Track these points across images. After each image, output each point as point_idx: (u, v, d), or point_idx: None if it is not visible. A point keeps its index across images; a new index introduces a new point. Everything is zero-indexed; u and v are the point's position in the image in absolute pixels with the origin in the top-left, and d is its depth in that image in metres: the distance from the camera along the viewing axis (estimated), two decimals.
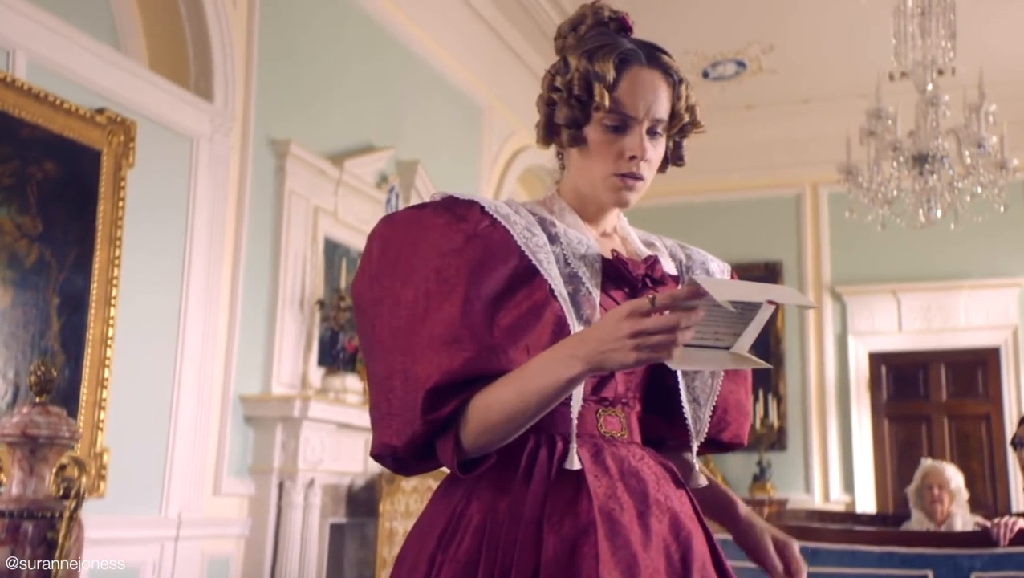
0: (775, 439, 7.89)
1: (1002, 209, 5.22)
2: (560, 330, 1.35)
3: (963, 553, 3.26)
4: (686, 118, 1.48)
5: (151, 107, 4.28)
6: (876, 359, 8.02)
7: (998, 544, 3.21)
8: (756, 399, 7.93)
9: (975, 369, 7.80)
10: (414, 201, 5.91)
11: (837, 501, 7.79)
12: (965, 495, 4.74)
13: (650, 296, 1.21)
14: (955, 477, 4.73)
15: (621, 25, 1.50)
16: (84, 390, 3.92)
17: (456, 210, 1.43)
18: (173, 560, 4.30)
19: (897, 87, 6.35)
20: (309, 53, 5.24)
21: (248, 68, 4.81)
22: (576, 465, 1.34)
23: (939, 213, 5.16)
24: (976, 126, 5.02)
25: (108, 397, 4.00)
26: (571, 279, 1.40)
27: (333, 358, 5.14)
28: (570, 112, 1.43)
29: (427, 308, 1.34)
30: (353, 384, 5.10)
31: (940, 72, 5.42)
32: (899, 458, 7.88)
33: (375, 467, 5.20)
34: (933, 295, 7.85)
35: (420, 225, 1.42)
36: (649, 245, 1.58)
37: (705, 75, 7.71)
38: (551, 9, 6.72)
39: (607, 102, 1.40)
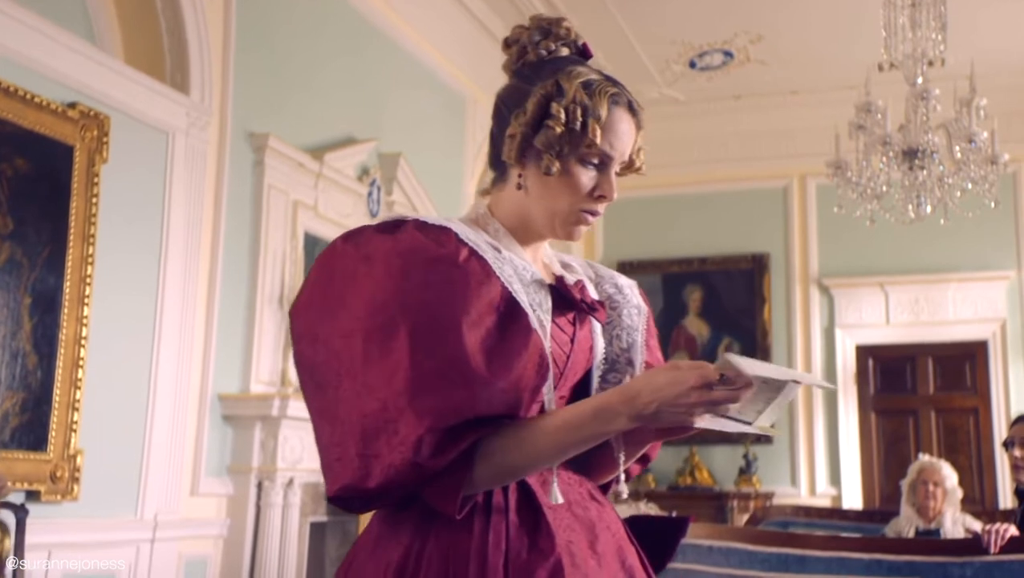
0: None
1: (993, 205, 5.16)
2: (541, 361, 1.34)
3: (953, 561, 3.20)
4: (636, 162, 1.49)
5: (125, 101, 4.17)
6: (863, 352, 7.95)
7: (988, 551, 3.16)
8: None
9: (963, 362, 7.74)
10: (396, 195, 5.81)
11: (823, 494, 7.75)
12: (959, 495, 4.72)
13: (718, 371, 1.25)
14: (951, 476, 4.72)
15: (582, 51, 1.49)
16: (57, 391, 3.84)
17: (431, 235, 1.36)
18: (149, 562, 4.22)
19: (887, 78, 6.27)
20: (288, 44, 5.13)
21: (225, 60, 4.70)
22: (559, 499, 1.35)
23: (928, 209, 5.09)
24: (967, 120, 4.94)
25: (82, 398, 3.92)
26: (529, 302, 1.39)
27: None
28: (559, 140, 1.39)
29: (413, 345, 1.28)
30: None
31: (931, 63, 5.35)
32: (886, 451, 7.84)
33: None
34: (921, 288, 7.79)
35: (396, 252, 1.34)
36: (567, 267, 1.58)
37: (692, 65, 7.62)
38: None
39: (599, 139, 1.39)
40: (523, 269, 1.41)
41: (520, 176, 1.43)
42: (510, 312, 1.34)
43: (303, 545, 4.92)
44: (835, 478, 7.81)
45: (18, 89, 3.71)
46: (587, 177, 1.41)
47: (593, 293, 1.52)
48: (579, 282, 1.49)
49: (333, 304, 1.34)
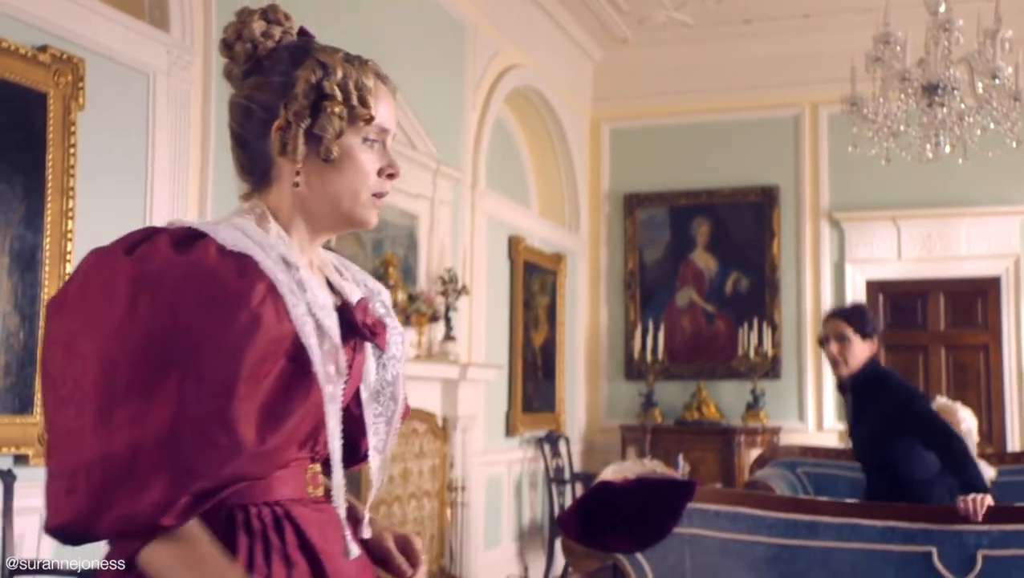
0: (769, 367, 7.73)
1: (1015, 145, 4.92)
2: (318, 417, 1.29)
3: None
4: (396, 133, 1.45)
5: (100, 41, 3.94)
6: (874, 287, 7.79)
7: (975, 521, 3.11)
8: (751, 327, 7.76)
9: (975, 299, 7.59)
10: None
11: (831, 430, 7.68)
12: (975, 438, 4.68)
13: None
14: (967, 419, 4.67)
15: (305, 33, 1.43)
16: (40, 353, 3.70)
17: (230, 262, 1.25)
18: None
19: (906, 2, 5.97)
20: None
21: None
22: (355, 553, 1.33)
23: (947, 149, 4.86)
24: (991, 53, 4.68)
25: None
26: (318, 331, 1.29)
27: None
28: (340, 120, 1.33)
29: (182, 393, 1.17)
30: None
31: None
32: None
33: None
34: (934, 222, 7.58)
35: (191, 278, 1.21)
36: (340, 272, 1.48)
37: None
38: None
39: (375, 112, 1.36)
40: (314, 295, 1.30)
41: (297, 173, 1.34)
42: (297, 361, 1.26)
43: None
44: (843, 413, 7.71)
45: None
46: (370, 157, 1.36)
47: (374, 311, 1.43)
48: (362, 301, 1.40)
49: (102, 321, 1.20)
